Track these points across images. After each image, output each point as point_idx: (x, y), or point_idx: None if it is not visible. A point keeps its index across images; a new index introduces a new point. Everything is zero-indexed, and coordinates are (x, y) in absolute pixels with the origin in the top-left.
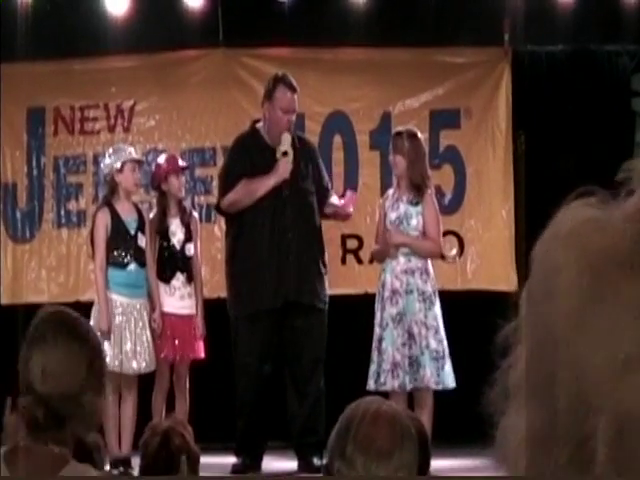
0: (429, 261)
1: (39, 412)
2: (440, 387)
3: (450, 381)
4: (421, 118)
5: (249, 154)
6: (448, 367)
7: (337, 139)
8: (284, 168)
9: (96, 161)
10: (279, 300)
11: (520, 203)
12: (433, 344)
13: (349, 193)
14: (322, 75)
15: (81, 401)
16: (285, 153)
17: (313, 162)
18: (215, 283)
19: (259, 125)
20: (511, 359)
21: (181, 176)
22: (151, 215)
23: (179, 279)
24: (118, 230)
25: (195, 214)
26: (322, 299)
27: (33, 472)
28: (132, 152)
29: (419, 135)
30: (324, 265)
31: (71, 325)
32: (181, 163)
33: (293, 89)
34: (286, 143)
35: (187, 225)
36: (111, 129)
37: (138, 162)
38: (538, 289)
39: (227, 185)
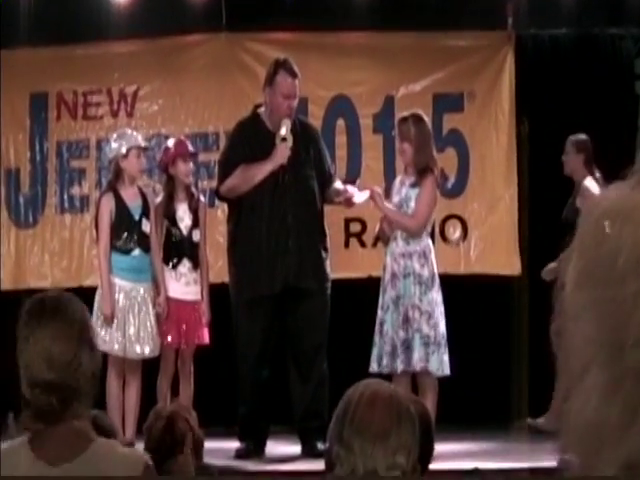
0: (430, 245)
1: (52, 398)
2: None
3: (436, 368)
4: (424, 102)
5: (249, 139)
6: (439, 354)
7: (340, 123)
8: (281, 154)
9: (99, 146)
10: (277, 286)
11: (523, 187)
12: (425, 329)
13: (363, 194)
14: (325, 59)
15: (81, 367)
16: (284, 139)
17: (315, 147)
18: (219, 268)
19: (260, 110)
20: (568, 344)
21: (189, 161)
22: (157, 200)
23: (186, 265)
24: (122, 215)
25: (202, 199)
26: (323, 283)
27: (60, 452)
28: (137, 138)
29: (424, 118)
30: (325, 250)
31: (53, 307)
32: (190, 149)
33: (294, 74)
34: (285, 128)
35: (195, 211)
36: (114, 114)
37: (143, 148)
38: (626, 265)
39: (226, 171)
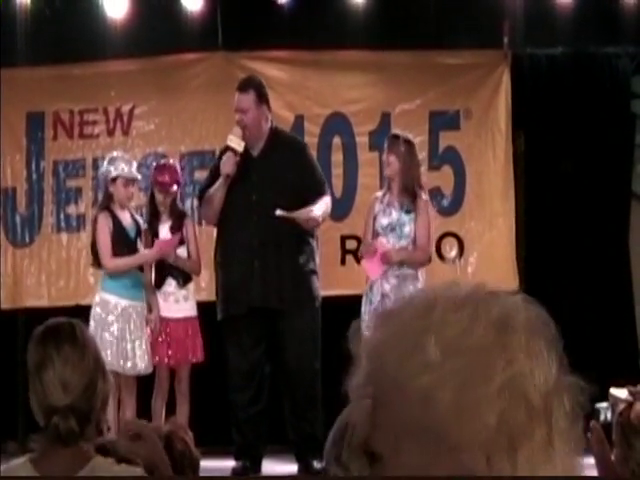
0: None
1: (72, 422)
2: None
3: None
4: (421, 119)
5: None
6: None
7: (336, 140)
8: (225, 165)
9: (95, 165)
10: (243, 307)
11: (520, 204)
12: None
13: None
14: (321, 77)
15: (96, 391)
16: (228, 148)
17: (295, 162)
18: (214, 286)
19: None
20: None
21: (168, 196)
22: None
23: (171, 284)
24: (120, 235)
25: (189, 217)
26: (300, 302)
27: (62, 470)
28: (126, 167)
29: (415, 143)
30: (307, 267)
31: (68, 332)
32: (167, 180)
33: (241, 89)
34: (234, 138)
35: (179, 229)
36: (110, 133)
37: (131, 180)
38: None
39: (200, 198)
